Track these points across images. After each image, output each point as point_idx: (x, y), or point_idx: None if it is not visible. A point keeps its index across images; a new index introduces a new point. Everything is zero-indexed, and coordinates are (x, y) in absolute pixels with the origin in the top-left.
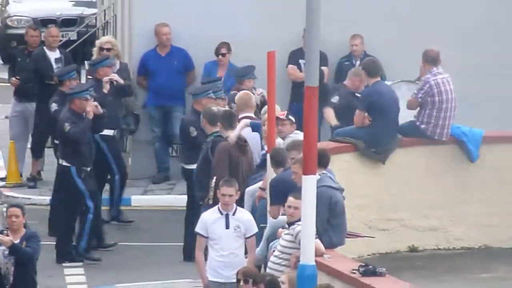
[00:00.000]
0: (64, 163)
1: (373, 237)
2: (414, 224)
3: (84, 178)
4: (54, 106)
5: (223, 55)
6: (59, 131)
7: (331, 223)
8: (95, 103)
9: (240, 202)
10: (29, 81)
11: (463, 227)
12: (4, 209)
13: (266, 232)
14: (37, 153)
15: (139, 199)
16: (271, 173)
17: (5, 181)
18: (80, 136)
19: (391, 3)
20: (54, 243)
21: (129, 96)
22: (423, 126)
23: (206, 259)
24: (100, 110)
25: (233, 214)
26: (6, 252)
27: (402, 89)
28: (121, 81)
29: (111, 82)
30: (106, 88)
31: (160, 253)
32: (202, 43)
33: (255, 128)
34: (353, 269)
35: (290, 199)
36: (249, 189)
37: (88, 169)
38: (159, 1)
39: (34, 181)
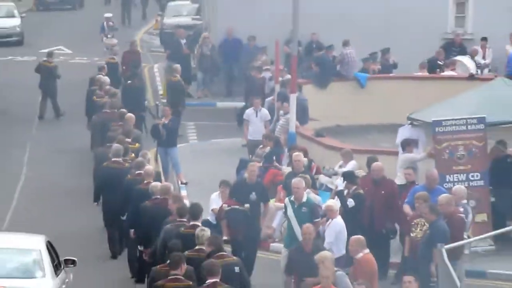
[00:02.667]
0: None
1: (318, 120)
2: (339, 115)
3: None
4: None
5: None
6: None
7: (302, 115)
8: None
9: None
10: (173, 53)
11: (363, 112)
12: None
13: (273, 120)
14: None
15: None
16: (279, 91)
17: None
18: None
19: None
20: None
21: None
22: (344, 73)
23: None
24: None
25: (260, 111)
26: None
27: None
28: None
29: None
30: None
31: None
32: (246, 35)
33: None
34: (312, 134)
35: (285, 104)
36: (267, 99)
37: None
38: (230, 14)
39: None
